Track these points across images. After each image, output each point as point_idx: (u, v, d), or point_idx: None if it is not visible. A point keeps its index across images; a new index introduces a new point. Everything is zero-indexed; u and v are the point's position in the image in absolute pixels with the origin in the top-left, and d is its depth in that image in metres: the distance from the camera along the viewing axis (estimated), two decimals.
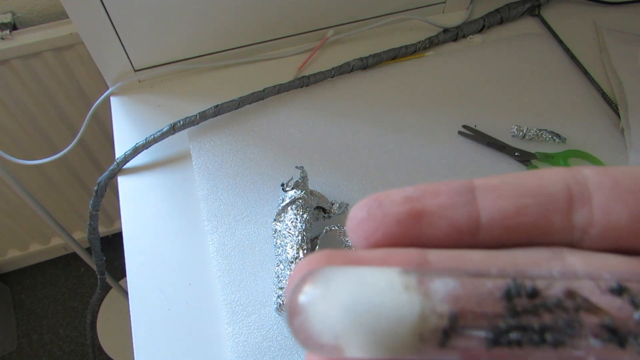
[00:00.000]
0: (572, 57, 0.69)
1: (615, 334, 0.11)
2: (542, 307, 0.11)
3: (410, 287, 0.12)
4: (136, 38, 0.62)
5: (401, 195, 0.13)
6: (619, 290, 0.12)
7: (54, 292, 1.33)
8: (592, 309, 0.11)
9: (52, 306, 1.32)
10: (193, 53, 0.66)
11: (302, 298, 0.12)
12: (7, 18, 0.77)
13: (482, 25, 0.72)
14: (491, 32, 0.73)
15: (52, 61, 0.81)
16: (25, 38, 0.77)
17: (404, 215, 0.13)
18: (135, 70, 0.65)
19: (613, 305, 0.11)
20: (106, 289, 1.27)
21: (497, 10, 0.73)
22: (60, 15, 0.81)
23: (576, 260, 0.13)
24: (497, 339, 0.11)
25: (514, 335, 0.11)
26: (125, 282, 0.91)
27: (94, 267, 0.76)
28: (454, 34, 0.71)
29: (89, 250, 0.77)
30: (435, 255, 0.13)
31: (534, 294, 0.12)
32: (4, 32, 0.76)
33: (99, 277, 0.76)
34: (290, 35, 0.69)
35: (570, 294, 0.12)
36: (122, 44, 0.61)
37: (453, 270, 0.12)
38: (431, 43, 0.70)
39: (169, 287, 0.50)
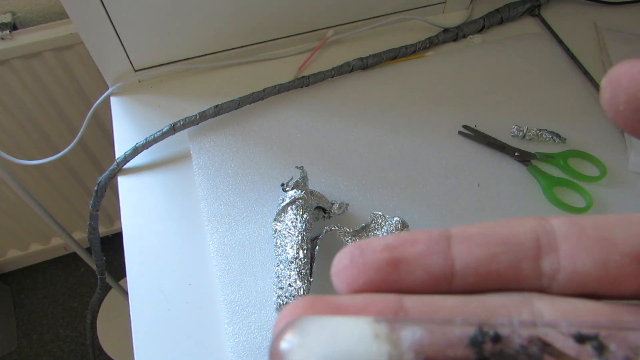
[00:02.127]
0: (572, 57, 0.69)
1: None
2: (507, 352, 0.12)
3: (381, 336, 0.12)
4: (136, 38, 0.62)
5: (381, 244, 0.14)
6: (581, 338, 0.12)
7: (54, 292, 1.33)
8: (555, 354, 0.12)
9: (52, 306, 1.32)
10: (193, 53, 0.66)
11: (283, 345, 0.13)
12: (7, 18, 0.77)
13: (482, 25, 0.72)
14: (491, 32, 0.73)
15: (52, 61, 0.81)
16: (25, 38, 0.77)
17: (384, 263, 0.14)
18: (135, 70, 0.65)
19: (576, 350, 0.12)
20: (106, 289, 1.27)
21: (497, 10, 0.73)
22: (60, 15, 0.81)
23: (544, 305, 0.13)
24: None
25: None
26: (125, 282, 0.91)
27: (94, 267, 0.76)
28: (454, 34, 0.71)
29: (89, 250, 0.77)
30: (411, 301, 0.14)
31: (497, 340, 0.12)
32: (4, 32, 0.76)
33: (99, 277, 0.76)
34: (290, 35, 0.69)
35: (533, 340, 0.12)
36: (122, 44, 0.61)
37: (422, 319, 0.13)
38: (431, 43, 0.70)
39: (169, 287, 0.50)
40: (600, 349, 0.12)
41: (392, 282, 0.14)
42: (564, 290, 0.14)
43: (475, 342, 0.12)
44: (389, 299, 0.14)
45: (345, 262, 0.14)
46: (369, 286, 0.14)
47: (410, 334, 0.12)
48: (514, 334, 0.12)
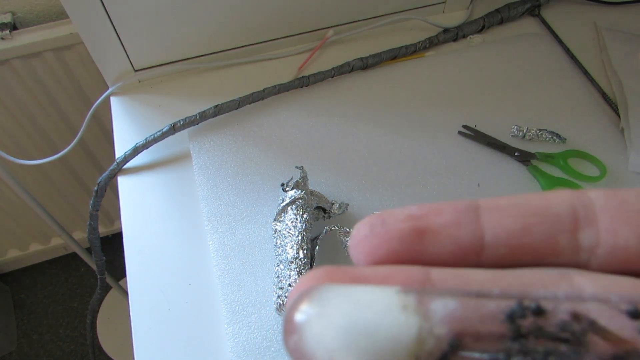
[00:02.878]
0: (572, 57, 0.69)
1: (620, 356, 0.11)
2: (547, 330, 0.11)
3: (409, 308, 0.11)
4: (136, 38, 0.62)
5: (405, 214, 0.13)
6: (634, 314, 0.11)
7: (54, 292, 1.33)
8: (600, 332, 0.11)
9: (52, 306, 1.32)
10: (193, 53, 0.66)
11: (299, 316, 0.12)
12: (7, 18, 0.77)
13: (482, 25, 0.72)
14: (491, 32, 0.73)
15: (52, 61, 0.81)
16: (25, 38, 0.77)
17: (407, 233, 0.13)
18: (135, 70, 0.65)
19: (622, 328, 0.11)
20: (106, 289, 1.27)
21: (497, 10, 0.73)
22: (60, 15, 0.81)
23: (585, 281, 0.12)
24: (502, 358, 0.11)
25: (517, 358, 0.11)
26: (125, 282, 0.91)
27: (94, 267, 0.76)
28: (454, 34, 0.71)
29: (89, 250, 0.77)
30: (439, 274, 0.13)
31: (538, 316, 0.11)
32: (4, 32, 0.76)
33: (99, 277, 0.76)
34: (290, 35, 0.69)
35: (577, 316, 0.11)
36: (122, 44, 0.61)
37: (454, 290, 0.12)
38: (431, 43, 0.70)
39: (169, 287, 0.50)
40: None
41: (416, 253, 0.13)
42: (604, 266, 0.13)
43: (514, 317, 0.11)
44: (414, 271, 0.13)
45: (365, 232, 0.13)
46: (391, 257, 0.13)
47: (442, 306, 0.11)
48: (556, 309, 0.11)
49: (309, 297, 0.12)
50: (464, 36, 0.72)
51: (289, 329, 0.12)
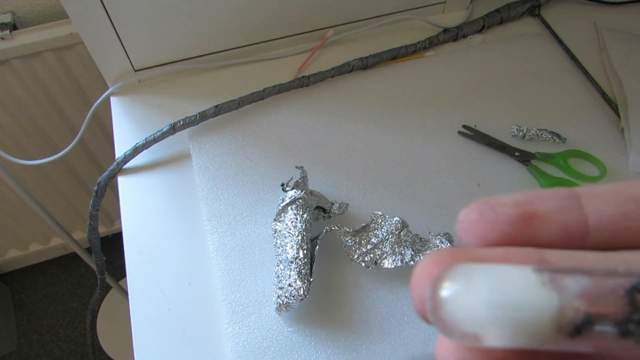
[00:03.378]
0: (572, 57, 0.69)
1: None
2: None
3: (546, 284, 0.12)
4: (136, 38, 0.62)
5: (510, 199, 0.14)
6: None
7: (54, 292, 1.33)
8: None
9: (52, 306, 1.32)
10: (193, 53, 0.66)
11: (445, 293, 0.13)
12: (7, 18, 0.77)
13: (482, 25, 0.72)
14: (491, 32, 0.73)
15: (52, 61, 0.81)
16: (25, 38, 0.77)
17: (517, 217, 0.14)
18: (135, 70, 0.65)
19: None
20: (106, 289, 1.27)
21: (497, 10, 0.73)
22: (60, 15, 0.81)
23: None
24: (626, 332, 0.12)
25: (638, 331, 0.12)
26: (125, 282, 0.91)
27: (94, 267, 0.76)
28: (454, 34, 0.71)
29: (89, 250, 0.77)
30: (553, 255, 0.14)
31: None
32: (4, 32, 0.76)
33: (99, 277, 0.76)
34: (290, 35, 0.69)
35: None
36: (122, 44, 0.61)
37: (583, 269, 0.13)
38: (431, 43, 0.70)
39: (169, 287, 0.50)
40: None
41: (526, 236, 0.14)
42: None
43: (636, 292, 0.12)
44: (530, 252, 0.14)
45: (474, 216, 0.14)
46: (503, 240, 0.14)
47: (575, 283, 0.12)
48: None
49: (451, 275, 0.13)
50: (464, 36, 0.72)
51: (437, 303, 0.13)
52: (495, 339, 0.13)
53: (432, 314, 0.13)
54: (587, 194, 0.14)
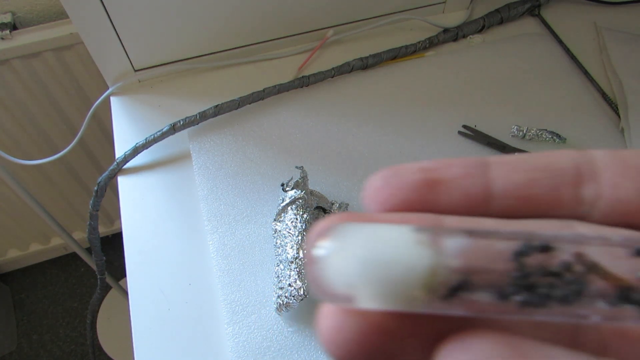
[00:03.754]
0: (572, 57, 0.69)
1: (624, 298, 0.11)
2: (551, 268, 0.12)
3: (423, 243, 0.12)
4: (136, 38, 0.62)
5: (416, 166, 0.14)
6: (637, 252, 0.12)
7: (54, 292, 1.33)
8: (601, 272, 0.12)
9: (52, 306, 1.32)
10: (193, 53, 0.66)
11: (319, 250, 0.13)
12: (7, 18, 0.77)
13: (482, 25, 0.72)
14: (491, 32, 0.73)
15: (52, 61, 0.81)
16: (25, 38, 0.77)
17: (420, 183, 0.14)
18: (135, 70, 0.65)
19: (622, 268, 0.12)
20: (106, 289, 1.27)
21: (497, 10, 0.73)
22: (60, 15, 0.81)
23: (586, 231, 0.13)
24: (504, 297, 0.12)
25: (521, 294, 0.12)
26: (125, 282, 0.91)
27: (94, 267, 0.76)
28: (454, 34, 0.71)
29: (89, 250, 0.77)
30: (450, 220, 0.14)
31: (544, 253, 0.12)
32: (4, 32, 0.76)
33: (99, 277, 0.76)
34: (290, 35, 0.69)
35: (579, 257, 0.12)
36: (122, 44, 0.61)
37: (465, 229, 0.13)
38: (431, 43, 0.70)
39: (169, 287, 0.50)
40: None
41: (428, 202, 0.14)
42: (604, 219, 0.14)
43: (521, 255, 0.12)
44: (427, 217, 0.14)
45: (378, 183, 0.14)
46: (404, 206, 0.14)
47: (454, 243, 0.12)
48: (560, 249, 0.12)
49: (329, 232, 0.13)
50: (464, 36, 0.72)
51: (310, 261, 0.13)
52: (367, 300, 0.12)
53: (306, 272, 0.13)
54: (496, 162, 0.14)
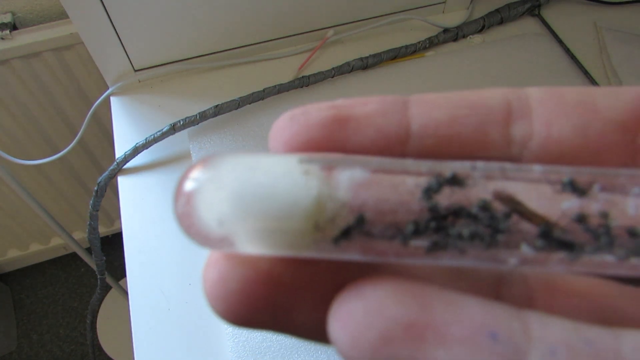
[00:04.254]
0: (572, 57, 0.69)
1: (548, 240, 0.10)
2: (466, 207, 0.10)
3: (311, 173, 0.10)
4: (136, 38, 0.62)
5: (328, 104, 0.12)
6: (570, 185, 0.10)
7: (54, 292, 1.33)
8: (524, 212, 0.10)
9: (52, 306, 1.32)
10: (193, 53, 0.66)
11: (189, 183, 0.11)
12: (7, 18, 0.77)
13: (482, 25, 0.72)
14: (491, 32, 0.73)
15: (52, 61, 0.81)
16: (25, 38, 0.77)
17: (329, 120, 0.12)
18: (135, 70, 0.65)
19: (548, 208, 0.10)
20: (106, 289, 1.27)
21: (497, 10, 0.73)
22: (60, 15, 0.81)
23: (508, 165, 0.12)
24: (408, 239, 0.10)
25: (428, 236, 0.10)
26: (125, 282, 0.91)
27: (94, 267, 0.76)
28: (454, 34, 0.71)
29: (89, 250, 0.77)
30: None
31: (457, 191, 0.10)
32: (4, 32, 0.76)
33: (99, 277, 0.76)
34: (290, 35, 0.69)
35: (499, 195, 0.10)
36: (122, 44, 0.61)
37: (365, 161, 0.11)
38: (431, 43, 0.70)
39: (169, 287, 0.50)
40: (580, 191, 0.10)
41: (337, 141, 0.12)
42: (536, 159, 0.12)
43: (430, 192, 0.10)
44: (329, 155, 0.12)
45: (284, 123, 0.12)
46: (311, 145, 0.12)
47: (349, 175, 0.10)
48: (477, 185, 0.10)
49: (202, 164, 0.11)
50: (464, 36, 0.72)
51: (177, 194, 0.11)
52: (245, 241, 0.10)
53: (173, 209, 0.11)
54: (417, 99, 0.13)
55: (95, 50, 0.61)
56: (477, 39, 0.72)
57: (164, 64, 0.66)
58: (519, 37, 0.72)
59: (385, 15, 0.71)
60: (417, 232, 0.10)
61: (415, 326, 0.09)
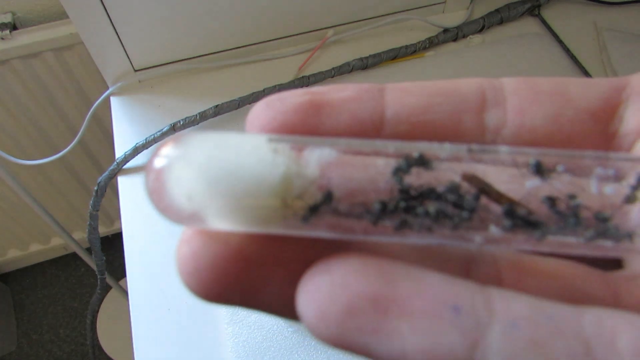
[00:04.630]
0: (572, 57, 0.69)
1: (514, 220, 0.10)
2: (435, 192, 0.10)
3: (279, 151, 0.11)
4: (136, 38, 0.62)
5: (303, 90, 0.13)
6: (536, 167, 0.11)
7: (54, 292, 1.33)
8: (491, 193, 0.11)
9: (52, 306, 1.32)
10: (193, 53, 0.66)
11: (159, 160, 0.11)
12: (7, 18, 0.77)
13: (482, 25, 0.72)
14: (491, 32, 0.73)
15: (52, 61, 0.81)
16: (25, 38, 0.77)
17: (304, 105, 0.12)
18: (135, 70, 0.65)
19: (514, 189, 0.11)
20: (106, 289, 1.27)
21: (497, 10, 0.73)
22: (60, 15, 0.81)
23: (476, 147, 0.12)
24: (376, 217, 0.10)
25: (396, 215, 0.10)
26: (125, 282, 0.91)
27: (94, 267, 0.76)
28: (454, 34, 0.71)
29: (89, 250, 0.77)
30: None
31: (426, 172, 0.11)
32: (4, 32, 0.76)
33: (99, 277, 0.76)
34: (290, 35, 0.69)
35: (468, 177, 0.11)
36: (122, 44, 0.61)
37: (336, 142, 0.11)
38: (431, 43, 0.70)
39: (169, 287, 0.50)
40: (544, 172, 0.10)
41: (311, 125, 0.12)
42: None
43: (399, 172, 0.10)
44: None
45: (261, 108, 0.13)
46: (286, 129, 0.12)
47: (318, 154, 0.11)
48: (446, 167, 0.11)
49: (171, 141, 0.11)
50: (464, 36, 0.72)
51: (148, 170, 0.11)
52: (215, 217, 0.10)
53: (146, 193, 0.11)
54: (393, 87, 0.13)
55: (95, 50, 0.61)
56: (477, 39, 0.72)
57: (164, 64, 0.66)
58: (518, 37, 0.72)
59: (385, 15, 0.71)
60: (385, 211, 0.10)
61: (380, 300, 0.10)
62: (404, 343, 0.09)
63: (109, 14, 0.58)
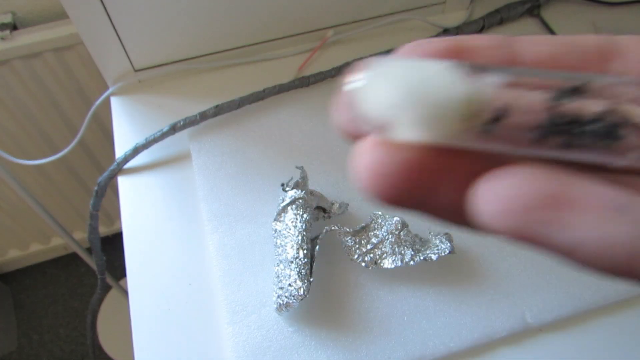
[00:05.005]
0: None
1: None
2: (585, 118, 0.12)
3: (461, 75, 0.12)
4: (136, 38, 0.62)
5: (443, 37, 0.15)
6: None
7: (54, 292, 1.33)
8: (634, 126, 0.12)
9: (52, 306, 1.32)
10: (193, 53, 0.66)
11: (355, 82, 0.13)
12: (7, 18, 0.77)
13: (482, 25, 0.72)
14: (491, 32, 0.73)
15: (52, 61, 0.81)
16: (25, 38, 0.77)
17: (446, 49, 0.14)
18: (135, 70, 0.65)
19: None
20: (106, 289, 1.27)
21: (497, 11, 0.73)
22: (60, 15, 0.81)
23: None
24: (542, 135, 0.12)
25: (559, 135, 0.12)
26: (125, 282, 0.91)
27: (94, 267, 0.76)
28: (453, 34, 0.71)
29: (89, 250, 0.77)
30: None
31: (579, 92, 0.12)
32: (4, 32, 0.76)
33: (99, 277, 0.76)
34: (290, 35, 0.69)
35: (613, 111, 0.12)
36: (122, 44, 0.61)
37: (506, 69, 0.13)
38: None
39: (169, 287, 0.50)
40: None
41: None
42: None
43: (559, 97, 0.12)
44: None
45: (412, 45, 0.15)
46: None
47: (493, 77, 0.12)
48: (604, 94, 0.12)
49: (364, 68, 0.13)
50: None
51: (345, 95, 0.13)
52: (405, 127, 0.12)
53: (339, 110, 0.13)
54: (522, 38, 0.15)
55: (95, 50, 0.61)
56: None
57: (164, 64, 0.66)
58: None
59: (385, 15, 0.71)
60: (549, 128, 0.12)
61: (556, 197, 0.11)
62: (579, 233, 0.11)
63: (109, 14, 0.58)
